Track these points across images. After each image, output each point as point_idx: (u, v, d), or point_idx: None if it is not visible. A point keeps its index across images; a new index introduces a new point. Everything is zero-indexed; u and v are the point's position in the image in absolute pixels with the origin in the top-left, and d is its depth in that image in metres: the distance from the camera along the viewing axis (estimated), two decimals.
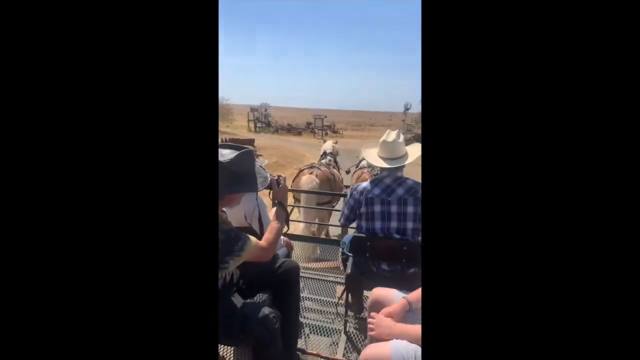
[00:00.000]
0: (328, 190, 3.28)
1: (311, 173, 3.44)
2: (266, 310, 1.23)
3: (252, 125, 25.02)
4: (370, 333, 1.24)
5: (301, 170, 3.62)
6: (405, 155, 1.68)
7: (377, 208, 1.62)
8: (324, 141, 4.63)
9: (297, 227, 3.37)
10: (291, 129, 24.78)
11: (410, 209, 1.59)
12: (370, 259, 1.62)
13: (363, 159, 3.91)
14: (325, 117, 25.08)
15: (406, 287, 1.39)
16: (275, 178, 1.35)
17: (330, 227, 3.43)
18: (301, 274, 2.49)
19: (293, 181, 3.62)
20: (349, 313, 1.91)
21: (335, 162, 4.12)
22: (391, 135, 1.70)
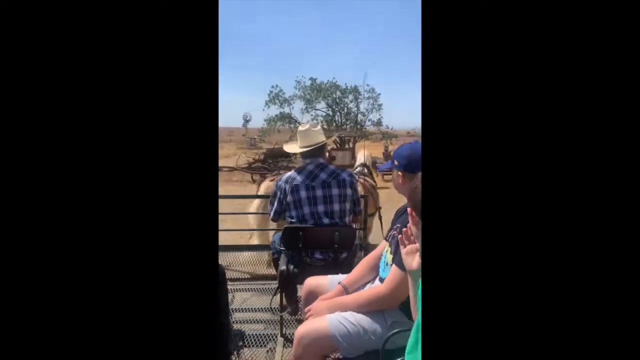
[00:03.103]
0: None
1: (272, 180, 3.27)
2: None
3: None
4: (306, 317, 1.22)
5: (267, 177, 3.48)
6: (321, 142, 1.78)
7: (303, 194, 1.66)
8: None
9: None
10: None
11: (334, 191, 1.67)
12: (304, 250, 1.60)
13: (360, 164, 3.85)
14: None
15: (340, 273, 1.40)
16: None
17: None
18: (230, 285, 2.32)
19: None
20: (285, 313, 1.84)
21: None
22: (305, 126, 1.83)
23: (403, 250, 0.86)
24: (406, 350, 0.80)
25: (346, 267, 1.52)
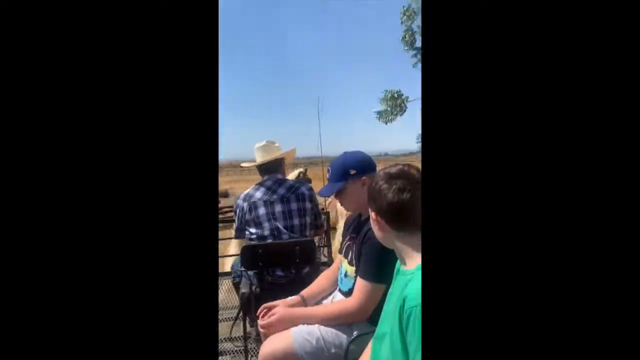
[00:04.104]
0: None
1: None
2: None
3: None
4: (264, 331, 1.16)
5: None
6: (278, 156, 1.77)
7: (262, 211, 1.63)
8: None
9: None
10: None
11: (294, 206, 1.65)
12: (264, 268, 1.57)
13: None
14: None
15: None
16: None
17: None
18: None
19: None
20: (248, 338, 1.75)
21: None
22: (261, 142, 1.83)
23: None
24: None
25: (309, 283, 1.50)
